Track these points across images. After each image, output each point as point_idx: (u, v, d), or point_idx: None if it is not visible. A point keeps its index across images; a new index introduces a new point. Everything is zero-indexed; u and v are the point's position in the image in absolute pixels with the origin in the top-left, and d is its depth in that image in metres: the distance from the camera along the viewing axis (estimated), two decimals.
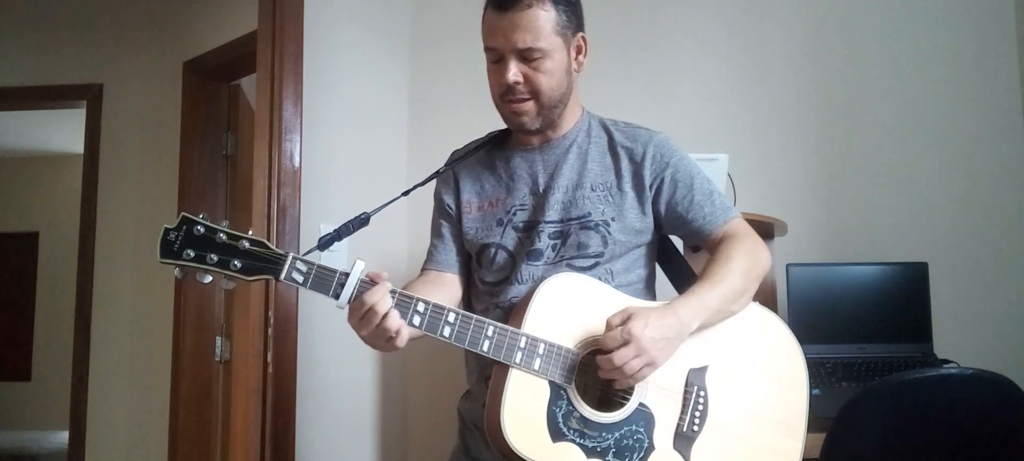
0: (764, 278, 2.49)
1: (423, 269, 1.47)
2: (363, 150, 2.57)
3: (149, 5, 3.45)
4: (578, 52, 1.39)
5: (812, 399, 2.08)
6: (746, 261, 1.33)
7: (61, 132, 6.06)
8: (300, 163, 2.31)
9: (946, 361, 2.18)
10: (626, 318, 1.20)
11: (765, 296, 2.39)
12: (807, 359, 2.19)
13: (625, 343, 1.17)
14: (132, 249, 3.38)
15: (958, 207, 2.49)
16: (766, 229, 2.39)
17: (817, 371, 2.17)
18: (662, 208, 1.39)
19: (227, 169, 3.23)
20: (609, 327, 1.21)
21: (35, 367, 6.94)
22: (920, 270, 2.29)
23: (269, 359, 2.20)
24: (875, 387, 1.58)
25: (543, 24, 1.29)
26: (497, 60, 1.31)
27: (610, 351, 1.18)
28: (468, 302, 1.46)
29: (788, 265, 2.32)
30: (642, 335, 1.18)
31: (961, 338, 2.35)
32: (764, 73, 2.63)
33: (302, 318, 2.27)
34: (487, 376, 1.32)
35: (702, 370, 1.30)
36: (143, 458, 3.23)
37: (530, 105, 1.33)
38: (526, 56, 1.29)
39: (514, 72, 1.29)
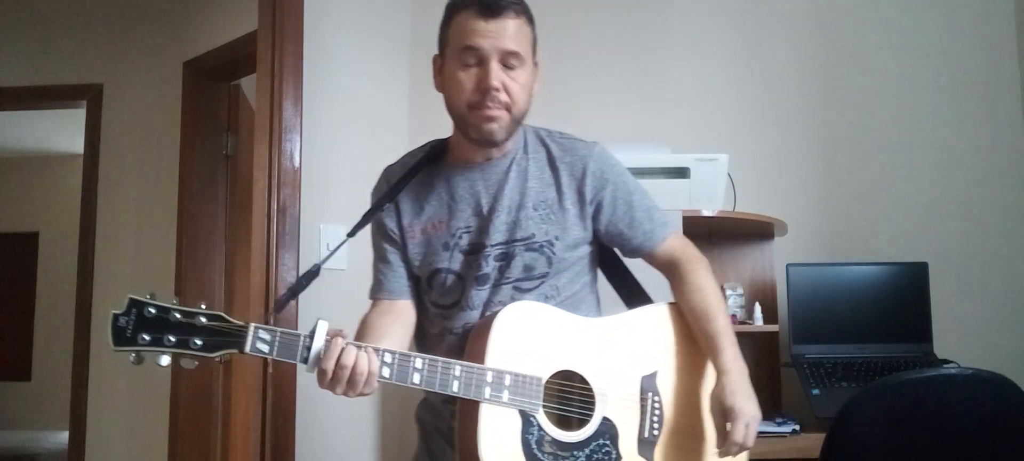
0: (764, 278, 2.50)
1: (375, 298, 1.44)
2: (363, 150, 2.57)
3: (149, 5, 3.45)
4: (534, 75, 1.39)
5: (812, 399, 2.09)
6: (711, 280, 1.41)
7: (61, 132, 6.06)
8: (300, 163, 2.31)
9: (946, 361, 2.18)
10: (730, 413, 1.26)
11: (765, 296, 2.41)
12: (807, 359, 2.21)
13: (747, 426, 1.26)
14: (132, 249, 3.38)
15: (958, 207, 2.49)
16: (766, 229, 2.39)
17: (817, 371, 2.17)
18: (602, 226, 1.41)
19: (227, 169, 3.23)
20: (728, 429, 1.26)
21: (35, 367, 6.93)
22: (920, 270, 2.29)
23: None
24: (875, 387, 1.58)
25: (524, 36, 1.32)
26: (477, 63, 1.30)
27: (743, 443, 1.26)
28: (420, 326, 1.45)
29: (788, 265, 2.32)
30: (750, 411, 1.27)
31: (961, 338, 2.35)
32: (765, 73, 2.63)
33: (302, 318, 2.27)
34: (445, 399, 1.35)
35: (653, 376, 1.35)
36: (143, 458, 3.22)
37: (504, 114, 1.31)
38: (508, 62, 1.30)
39: (497, 75, 1.29)
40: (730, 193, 2.37)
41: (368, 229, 1.45)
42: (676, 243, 1.44)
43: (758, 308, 2.32)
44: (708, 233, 2.43)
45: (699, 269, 1.41)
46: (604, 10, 2.74)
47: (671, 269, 1.43)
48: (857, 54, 2.60)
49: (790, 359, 2.25)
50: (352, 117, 2.53)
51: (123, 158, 3.45)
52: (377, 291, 1.44)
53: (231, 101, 3.25)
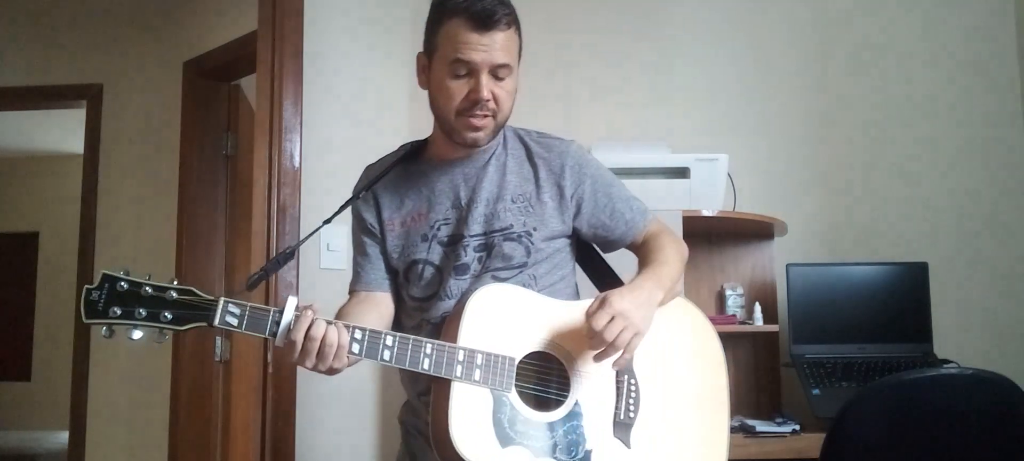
0: (764, 278, 2.50)
1: (352, 290, 1.47)
2: (363, 150, 2.55)
3: (149, 5, 3.45)
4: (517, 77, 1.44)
5: (812, 399, 2.09)
6: (676, 248, 1.42)
7: (61, 132, 6.08)
8: (300, 163, 2.31)
9: (946, 361, 2.18)
10: (602, 299, 1.24)
11: (765, 296, 2.41)
12: (807, 359, 2.21)
13: (611, 319, 1.21)
14: (132, 249, 3.38)
15: (958, 207, 2.49)
16: (766, 229, 2.39)
17: (817, 371, 2.18)
18: (585, 220, 1.43)
19: (227, 169, 3.23)
20: (590, 313, 1.24)
21: (35, 367, 6.95)
22: (920, 270, 2.29)
23: (269, 359, 2.20)
24: (875, 387, 1.58)
25: (513, 45, 1.36)
26: (467, 74, 1.34)
27: (599, 331, 1.21)
28: (397, 319, 1.47)
29: (788, 265, 2.32)
30: (623, 307, 1.23)
31: (961, 338, 2.36)
32: (765, 73, 2.63)
33: None
34: (420, 392, 1.36)
35: (630, 359, 1.34)
36: (143, 458, 3.23)
37: (490, 121, 1.36)
38: (498, 73, 1.34)
39: (488, 87, 1.32)
40: (730, 193, 2.37)
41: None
42: (656, 227, 1.46)
43: (758, 308, 2.32)
44: (708, 233, 2.43)
45: (663, 238, 1.43)
46: (605, 10, 2.74)
47: (643, 248, 1.45)
48: (857, 55, 2.60)
49: (790, 359, 2.25)
50: (352, 117, 2.53)
51: (123, 158, 3.45)
52: (355, 283, 1.47)
53: (231, 101, 3.25)
